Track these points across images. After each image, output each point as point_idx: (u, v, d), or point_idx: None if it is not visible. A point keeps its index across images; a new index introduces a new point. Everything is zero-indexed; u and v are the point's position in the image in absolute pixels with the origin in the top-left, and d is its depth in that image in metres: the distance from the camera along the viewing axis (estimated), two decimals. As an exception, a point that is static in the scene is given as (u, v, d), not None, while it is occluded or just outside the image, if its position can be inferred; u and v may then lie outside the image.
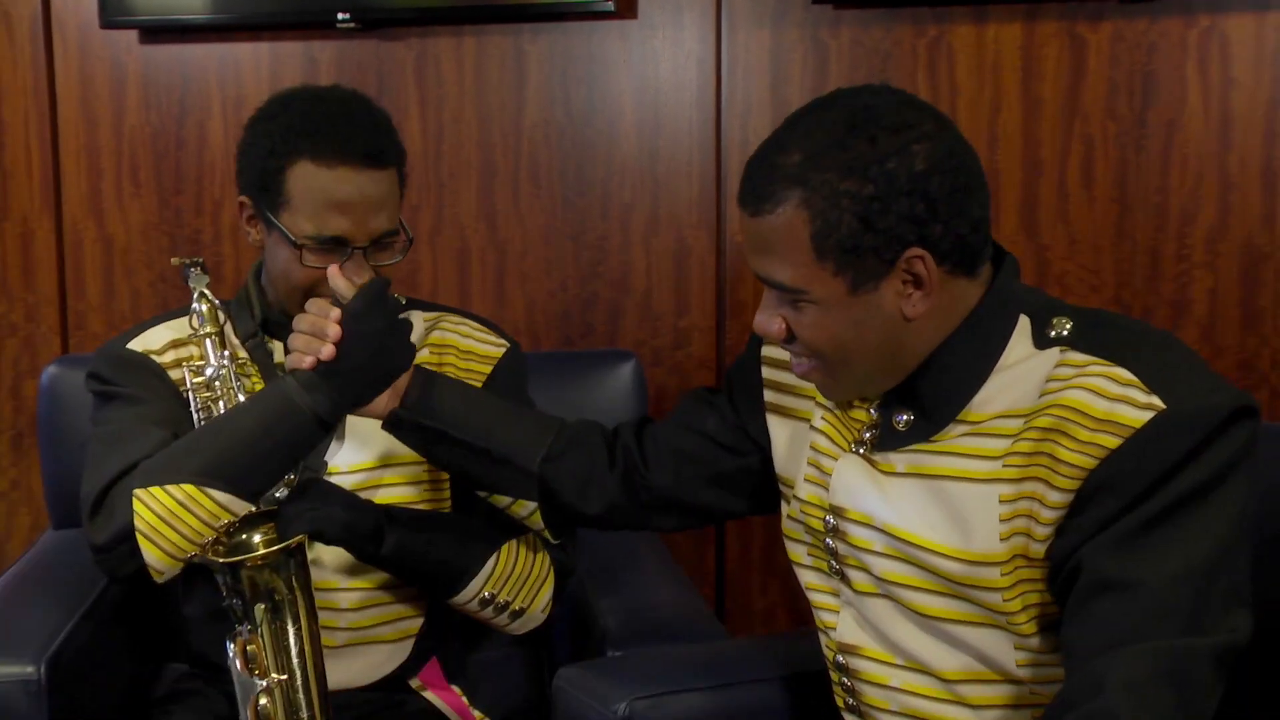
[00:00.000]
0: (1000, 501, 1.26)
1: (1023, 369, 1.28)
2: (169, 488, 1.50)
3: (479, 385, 1.73)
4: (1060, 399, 1.23)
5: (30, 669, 1.63)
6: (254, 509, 1.55)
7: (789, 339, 1.32)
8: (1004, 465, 1.26)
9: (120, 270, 2.54)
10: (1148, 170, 2.36)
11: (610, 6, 2.37)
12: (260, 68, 2.49)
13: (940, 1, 2.35)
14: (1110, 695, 1.13)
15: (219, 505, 1.51)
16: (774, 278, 1.28)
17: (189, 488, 1.50)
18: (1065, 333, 1.27)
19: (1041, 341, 1.28)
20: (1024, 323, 1.30)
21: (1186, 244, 2.37)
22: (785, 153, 1.25)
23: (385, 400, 1.57)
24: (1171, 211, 2.37)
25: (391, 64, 2.46)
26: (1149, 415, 1.18)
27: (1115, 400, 1.20)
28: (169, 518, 1.49)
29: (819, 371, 1.33)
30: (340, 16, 2.38)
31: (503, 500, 1.62)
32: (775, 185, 1.25)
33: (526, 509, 1.61)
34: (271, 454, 1.53)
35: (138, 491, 1.50)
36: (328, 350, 1.49)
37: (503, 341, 1.78)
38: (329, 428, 1.54)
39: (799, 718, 1.58)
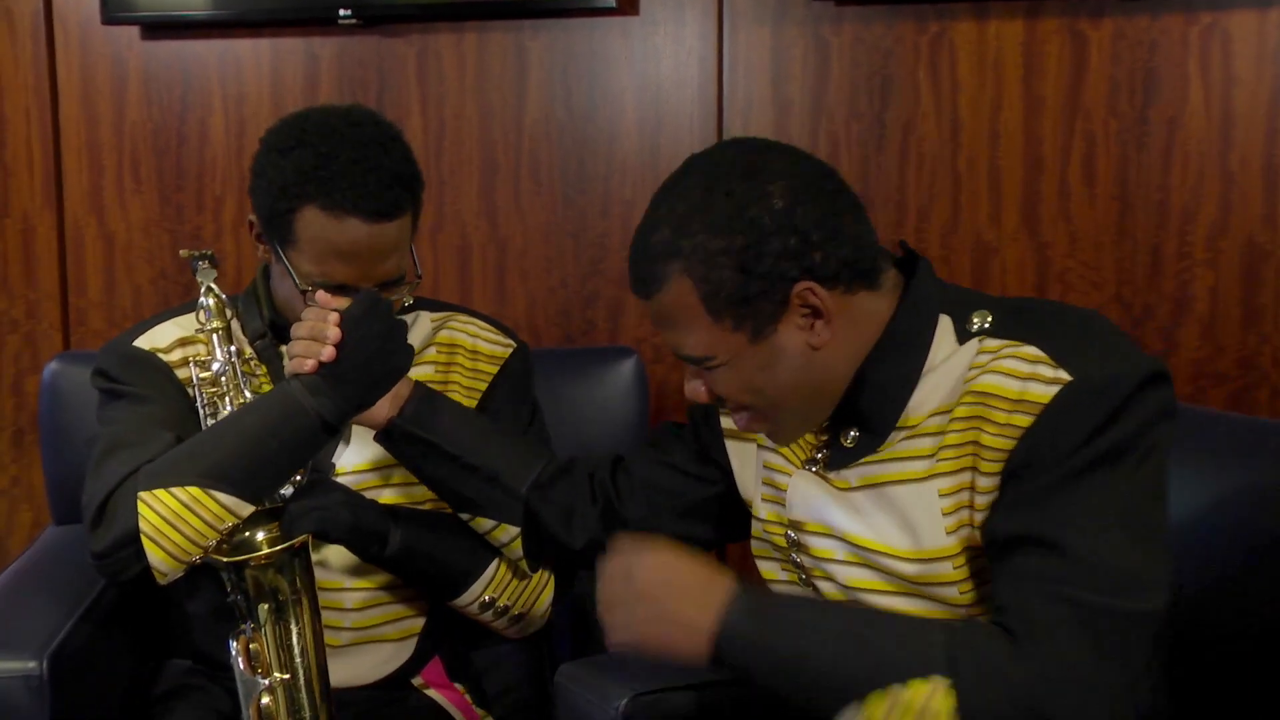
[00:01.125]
0: (940, 495, 1.28)
1: (947, 366, 1.30)
2: (174, 490, 1.50)
3: (485, 385, 1.74)
4: (976, 384, 1.25)
5: (32, 664, 1.63)
6: (257, 509, 1.55)
7: (717, 400, 1.34)
8: (938, 461, 1.28)
9: (121, 267, 2.54)
10: (1149, 168, 2.36)
11: (612, 3, 2.37)
12: (261, 64, 2.49)
13: (942, -2, 2.35)
14: (1027, 638, 1.15)
15: (224, 508, 1.51)
16: (683, 351, 1.31)
17: (194, 490, 1.50)
18: (987, 325, 1.29)
19: (963, 337, 1.30)
20: (945, 322, 1.32)
21: (1188, 241, 2.37)
22: (655, 231, 1.29)
23: (385, 409, 1.58)
24: (1173, 209, 2.37)
25: (393, 61, 2.46)
26: (1056, 389, 1.20)
27: (1026, 379, 1.22)
28: (174, 520, 1.49)
29: (757, 421, 1.35)
30: (341, 13, 2.38)
31: (485, 524, 1.62)
32: (654, 264, 1.28)
33: (508, 535, 1.62)
34: (277, 457, 1.53)
35: (142, 494, 1.50)
36: (328, 352, 1.50)
37: (510, 342, 1.78)
38: (334, 431, 1.54)
39: (800, 715, 1.58)
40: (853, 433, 1.35)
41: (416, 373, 1.66)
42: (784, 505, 1.42)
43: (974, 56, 2.36)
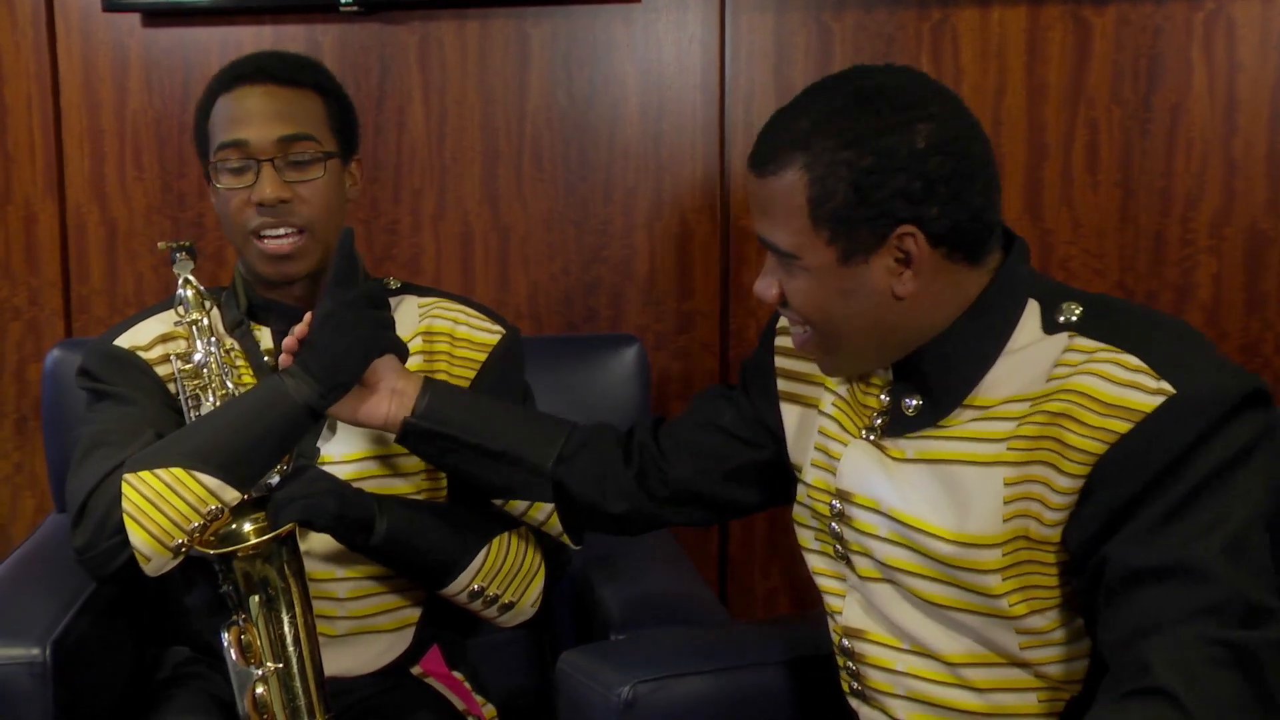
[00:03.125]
0: (1005, 484, 1.26)
1: (1030, 353, 1.28)
2: (158, 471, 1.51)
3: (472, 373, 1.73)
4: (1069, 384, 1.23)
5: (35, 651, 1.64)
6: (243, 497, 1.55)
7: (784, 303, 1.33)
8: (1008, 448, 1.26)
9: (123, 254, 2.53)
10: (1152, 154, 2.36)
11: (614, -10, 2.36)
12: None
13: (945, -15, 2.34)
14: (1158, 673, 1.12)
15: (207, 490, 1.51)
16: (771, 239, 1.30)
17: (178, 471, 1.51)
18: (1075, 318, 1.27)
19: (1050, 326, 1.28)
20: (1033, 307, 1.30)
21: (1191, 228, 2.36)
22: (794, 118, 1.28)
23: (386, 407, 1.57)
24: (1176, 196, 2.36)
25: (394, 48, 2.46)
26: (1159, 400, 1.18)
27: (1125, 386, 1.19)
28: (156, 500, 1.50)
29: (813, 343, 1.34)
30: (343, 0, 2.37)
31: (519, 506, 1.62)
32: (780, 148, 1.27)
33: (543, 513, 1.61)
34: (262, 441, 1.53)
35: (127, 476, 1.51)
36: (302, 329, 1.54)
37: (498, 328, 1.77)
38: (317, 415, 1.55)
39: (802, 701, 1.58)
40: (916, 401, 1.34)
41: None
42: (834, 474, 1.40)
43: (977, 43, 2.36)
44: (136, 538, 1.51)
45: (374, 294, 1.55)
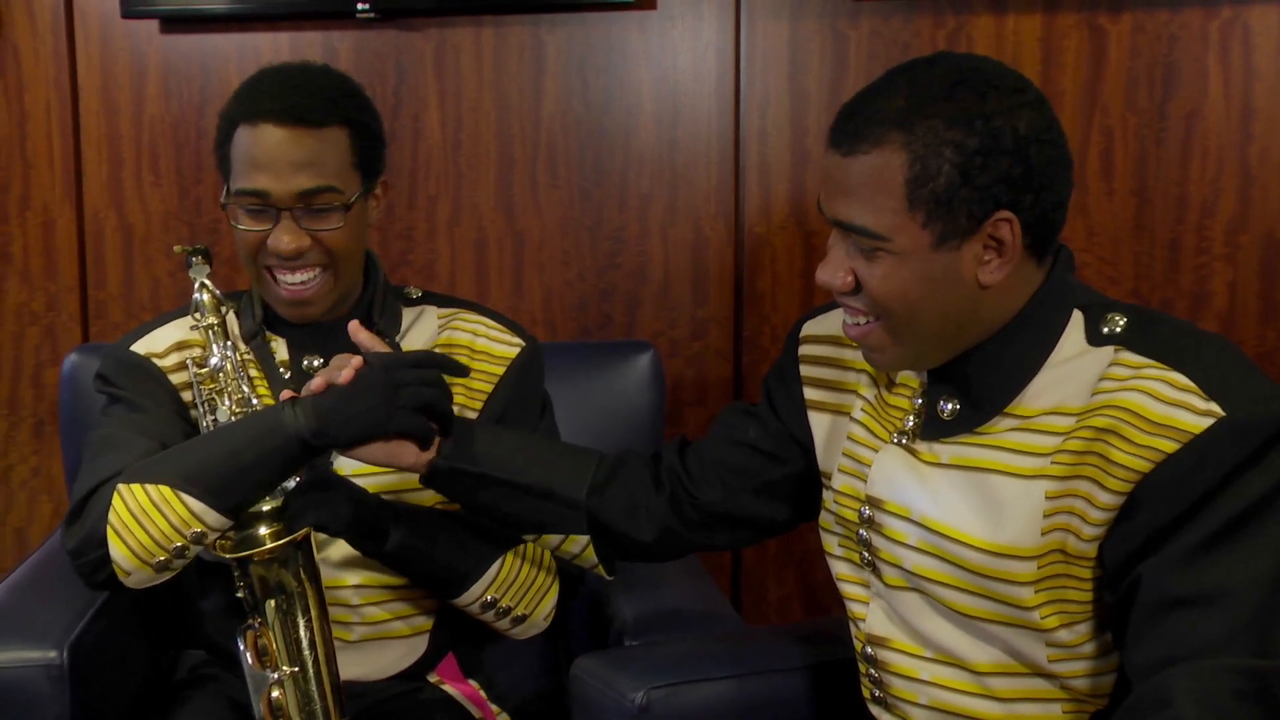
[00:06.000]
0: (1046, 498, 1.25)
1: (1075, 365, 1.27)
2: (147, 486, 1.51)
3: (490, 386, 1.72)
4: (1115, 400, 1.22)
5: (53, 654, 1.64)
6: (228, 523, 1.54)
7: (854, 291, 1.29)
8: (1052, 462, 1.25)
9: (140, 259, 2.55)
10: (1167, 162, 2.35)
11: (629, -3, 2.37)
12: (279, 58, 2.48)
13: (960, -8, 2.35)
14: (1180, 707, 1.11)
15: (190, 512, 1.51)
16: (856, 222, 1.26)
17: (165, 489, 1.51)
18: (1119, 330, 1.26)
19: (1095, 338, 1.27)
20: (1078, 318, 1.30)
21: (1206, 236, 2.36)
22: (889, 98, 1.24)
23: (414, 450, 1.53)
24: (1191, 204, 2.36)
25: (410, 54, 2.47)
26: (1208, 422, 1.17)
27: (1173, 405, 1.19)
28: (140, 515, 1.51)
29: (879, 333, 1.30)
30: (360, 7, 2.39)
31: (553, 540, 1.59)
32: (876, 127, 1.24)
33: (578, 545, 1.59)
34: (253, 469, 1.51)
35: (120, 487, 1.52)
36: (347, 374, 1.48)
37: (518, 341, 1.76)
38: (313, 451, 1.52)
39: (816, 707, 1.58)
40: (953, 405, 1.33)
41: None
42: (864, 480, 1.39)
43: (992, 51, 2.36)
44: (116, 551, 1.52)
45: (427, 378, 1.50)
